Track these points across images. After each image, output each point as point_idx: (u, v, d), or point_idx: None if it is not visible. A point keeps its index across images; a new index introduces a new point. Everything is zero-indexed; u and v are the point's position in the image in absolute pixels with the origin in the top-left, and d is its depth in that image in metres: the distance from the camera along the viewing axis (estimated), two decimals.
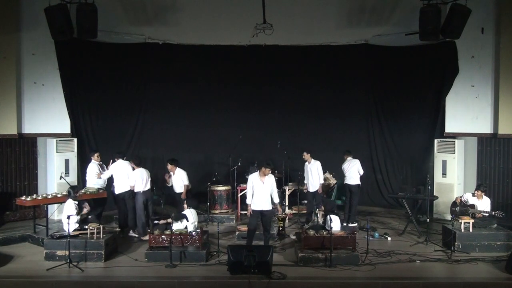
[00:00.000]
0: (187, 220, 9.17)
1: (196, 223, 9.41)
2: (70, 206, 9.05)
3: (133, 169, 10.23)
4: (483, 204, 9.53)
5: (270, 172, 8.96)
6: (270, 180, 8.95)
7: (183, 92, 13.35)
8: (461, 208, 9.62)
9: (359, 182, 11.02)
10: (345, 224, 10.61)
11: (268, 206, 8.92)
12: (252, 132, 13.29)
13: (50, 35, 10.10)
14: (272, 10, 11.01)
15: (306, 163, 11.10)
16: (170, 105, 13.40)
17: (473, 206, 9.52)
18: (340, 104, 13.43)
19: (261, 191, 8.88)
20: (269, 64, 13.31)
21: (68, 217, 8.38)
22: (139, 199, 10.03)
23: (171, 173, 10.56)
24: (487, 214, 9.39)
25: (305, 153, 11.09)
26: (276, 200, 9.13)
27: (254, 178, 8.94)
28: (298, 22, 12.52)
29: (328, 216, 8.90)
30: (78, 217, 8.96)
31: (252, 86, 13.41)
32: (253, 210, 8.90)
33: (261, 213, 8.91)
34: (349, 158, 11.09)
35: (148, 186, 10.20)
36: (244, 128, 13.16)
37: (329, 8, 12.37)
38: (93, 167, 10.59)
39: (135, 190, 10.06)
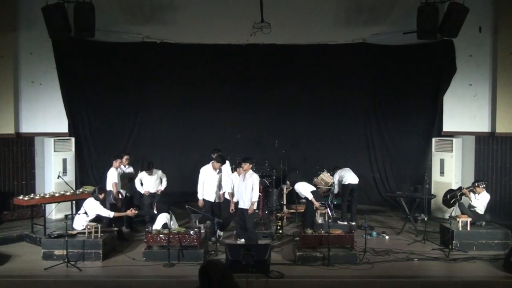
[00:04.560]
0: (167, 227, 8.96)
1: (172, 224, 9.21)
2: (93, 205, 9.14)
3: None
4: (482, 199, 9.53)
5: (250, 168, 8.93)
6: (251, 179, 8.91)
7: (181, 91, 13.32)
8: (450, 194, 9.86)
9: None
10: (345, 223, 10.65)
11: (243, 205, 8.90)
12: (250, 131, 13.28)
13: (47, 34, 10.06)
14: (270, 9, 10.98)
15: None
16: (167, 104, 13.37)
17: (460, 188, 9.72)
18: (337, 102, 13.39)
19: (240, 188, 8.98)
20: (267, 63, 13.27)
21: (67, 216, 8.49)
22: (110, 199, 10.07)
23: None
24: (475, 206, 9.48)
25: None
26: (253, 198, 8.92)
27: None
28: (295, 21, 12.49)
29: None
30: (87, 218, 8.97)
31: (250, 85, 13.37)
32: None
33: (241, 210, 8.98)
34: (339, 170, 11.22)
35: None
36: (242, 127, 13.16)
37: (327, 7, 12.34)
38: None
39: (107, 189, 10.04)
